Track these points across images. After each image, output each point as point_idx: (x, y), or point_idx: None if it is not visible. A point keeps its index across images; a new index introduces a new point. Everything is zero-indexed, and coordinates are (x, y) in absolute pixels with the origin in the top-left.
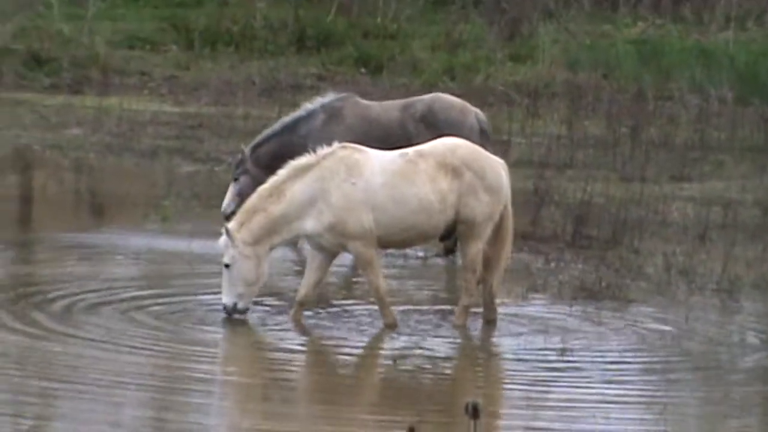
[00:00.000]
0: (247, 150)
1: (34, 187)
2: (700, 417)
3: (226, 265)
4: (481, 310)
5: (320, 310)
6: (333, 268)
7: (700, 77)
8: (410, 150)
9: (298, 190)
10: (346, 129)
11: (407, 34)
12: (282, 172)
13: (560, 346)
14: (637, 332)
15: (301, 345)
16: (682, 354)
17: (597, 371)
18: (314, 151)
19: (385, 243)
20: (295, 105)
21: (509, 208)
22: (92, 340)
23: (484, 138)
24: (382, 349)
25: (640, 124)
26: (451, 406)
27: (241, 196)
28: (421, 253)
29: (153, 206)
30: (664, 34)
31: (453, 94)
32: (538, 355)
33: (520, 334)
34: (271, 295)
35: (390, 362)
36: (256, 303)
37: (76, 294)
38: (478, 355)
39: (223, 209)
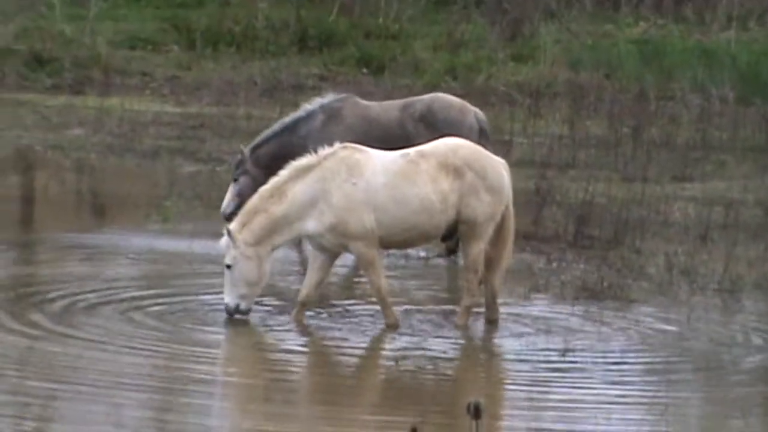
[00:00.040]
0: (246, 151)
1: (35, 188)
2: (701, 417)
3: (228, 266)
4: (483, 310)
5: (322, 311)
6: (334, 269)
7: (702, 77)
8: (412, 150)
9: (299, 190)
10: (346, 129)
11: (409, 35)
12: (283, 173)
13: (562, 346)
14: (639, 332)
15: (303, 345)
16: (683, 354)
17: (599, 372)
18: (314, 151)
19: (386, 243)
20: (297, 105)
21: (511, 208)
22: (92, 340)
23: (483, 137)
24: (383, 349)
25: (641, 124)
26: (453, 407)
27: (241, 197)
28: (422, 254)
29: (154, 207)
30: (666, 34)
31: (455, 94)
32: (540, 355)
33: (522, 334)
34: (272, 295)
35: (392, 363)
36: (257, 303)
37: (77, 294)
38: (479, 356)
39: (222, 210)
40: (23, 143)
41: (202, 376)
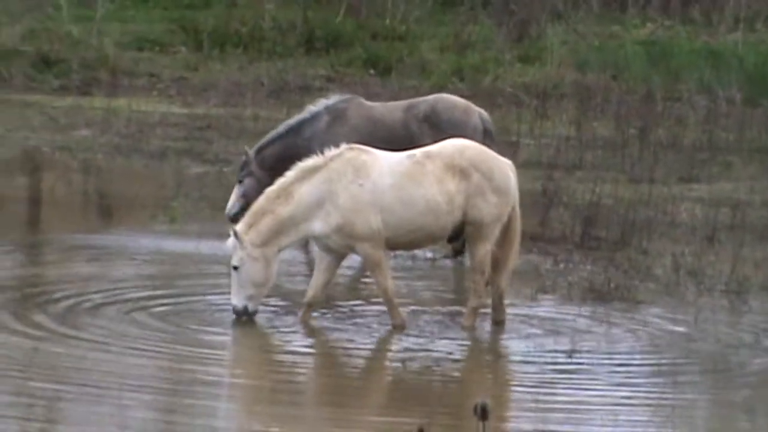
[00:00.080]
0: (251, 152)
1: (43, 189)
2: (708, 419)
3: (235, 267)
4: (489, 311)
5: (328, 312)
6: (341, 270)
7: (709, 78)
8: (418, 151)
9: (305, 191)
10: (351, 130)
11: (416, 36)
12: (289, 174)
13: (569, 347)
14: (646, 334)
15: (309, 347)
16: (691, 356)
17: (606, 373)
18: (320, 152)
19: (393, 244)
20: (304, 106)
21: (517, 209)
22: (97, 341)
23: (488, 138)
24: (390, 350)
25: (648, 125)
26: (460, 408)
27: (246, 199)
28: (429, 255)
29: (161, 207)
30: (673, 36)
31: (462, 95)
32: (546, 356)
33: (529, 335)
34: (278, 296)
35: (398, 364)
36: (263, 304)
37: (84, 295)
38: (486, 357)
39: (227, 211)
40: (30, 144)
41: (209, 377)
